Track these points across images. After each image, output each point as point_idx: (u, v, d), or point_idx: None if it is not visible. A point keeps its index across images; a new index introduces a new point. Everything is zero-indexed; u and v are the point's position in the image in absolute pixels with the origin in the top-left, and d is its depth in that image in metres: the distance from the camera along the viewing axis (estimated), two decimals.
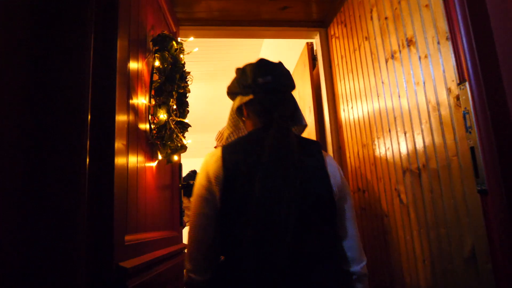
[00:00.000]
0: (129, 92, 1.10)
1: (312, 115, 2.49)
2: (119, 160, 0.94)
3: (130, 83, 1.12)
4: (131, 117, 1.12)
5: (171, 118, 1.33)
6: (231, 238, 1.00)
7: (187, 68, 1.62)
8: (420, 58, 1.34)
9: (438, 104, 1.23)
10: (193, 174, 3.44)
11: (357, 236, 1.12)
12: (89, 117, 0.83)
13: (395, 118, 1.55)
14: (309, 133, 2.53)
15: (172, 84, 1.31)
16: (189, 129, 1.59)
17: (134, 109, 1.17)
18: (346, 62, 2.12)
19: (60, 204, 0.75)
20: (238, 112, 1.22)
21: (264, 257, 0.96)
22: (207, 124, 6.50)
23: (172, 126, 1.33)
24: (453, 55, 1.11)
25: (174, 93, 1.36)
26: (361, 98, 1.91)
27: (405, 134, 1.47)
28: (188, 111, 1.57)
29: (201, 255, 1.01)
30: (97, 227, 0.82)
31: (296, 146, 1.08)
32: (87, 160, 0.81)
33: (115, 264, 0.85)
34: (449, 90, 1.17)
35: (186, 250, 1.07)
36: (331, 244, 1.07)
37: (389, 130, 1.60)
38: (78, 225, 0.75)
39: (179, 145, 1.38)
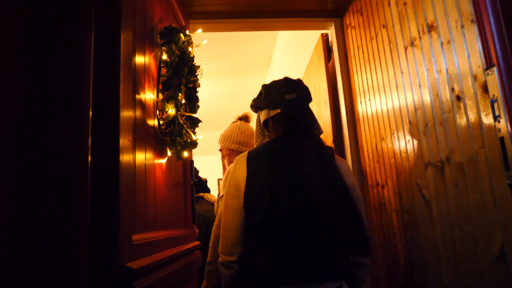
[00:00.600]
0: (135, 87, 1.07)
1: (328, 109, 2.42)
2: (125, 157, 0.91)
3: (137, 78, 1.09)
4: (138, 113, 1.09)
5: (179, 113, 1.29)
6: (252, 226, 1.20)
7: (199, 64, 1.58)
8: (442, 44, 1.26)
9: (462, 92, 1.15)
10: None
11: (366, 230, 1.25)
12: (91, 114, 0.80)
13: (415, 109, 1.47)
14: (325, 127, 2.45)
15: (179, 78, 1.27)
16: (202, 125, 1.55)
17: (141, 104, 1.13)
18: (363, 52, 2.04)
19: (61, 204, 0.73)
20: (264, 124, 1.41)
21: (278, 243, 1.15)
22: (222, 121, 6.47)
23: (181, 121, 1.29)
24: (479, 38, 1.02)
25: (182, 87, 1.32)
26: (379, 90, 1.83)
27: (426, 125, 1.39)
28: (198, 106, 1.53)
29: (229, 241, 1.23)
30: (100, 227, 0.79)
31: (328, 150, 1.28)
32: (89, 158, 0.78)
33: (121, 264, 0.82)
34: (474, 77, 1.08)
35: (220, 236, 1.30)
36: (342, 236, 1.20)
37: (409, 122, 1.52)
38: (79, 225, 0.73)
39: (189, 141, 1.34)
